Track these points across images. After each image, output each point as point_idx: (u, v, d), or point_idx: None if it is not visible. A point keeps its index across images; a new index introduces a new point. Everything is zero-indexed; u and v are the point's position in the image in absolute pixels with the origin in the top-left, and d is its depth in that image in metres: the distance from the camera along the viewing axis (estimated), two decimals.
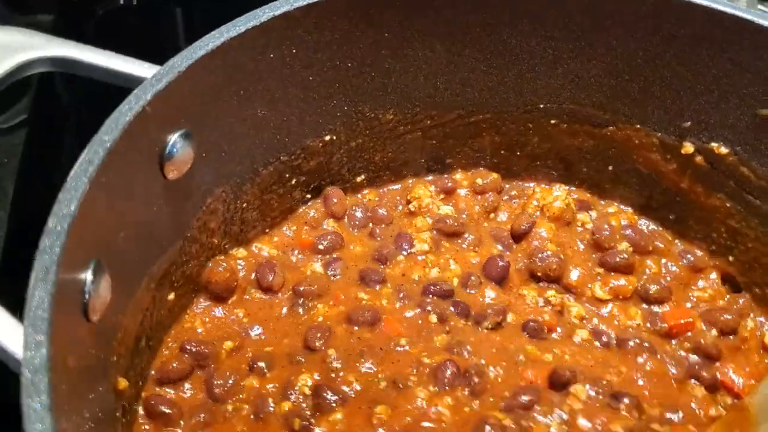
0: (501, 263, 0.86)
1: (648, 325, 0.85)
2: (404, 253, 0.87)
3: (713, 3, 0.78)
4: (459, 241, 0.89)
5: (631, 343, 0.81)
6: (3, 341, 0.55)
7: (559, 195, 0.93)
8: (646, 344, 0.81)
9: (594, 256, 0.89)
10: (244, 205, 0.84)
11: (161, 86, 0.65)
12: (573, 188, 0.97)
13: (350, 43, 0.81)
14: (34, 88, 1.08)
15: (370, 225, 0.90)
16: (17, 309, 0.63)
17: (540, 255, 0.87)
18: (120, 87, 0.76)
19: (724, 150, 0.86)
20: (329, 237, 0.88)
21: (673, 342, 0.84)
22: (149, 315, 0.73)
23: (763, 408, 0.69)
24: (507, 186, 0.96)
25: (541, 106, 0.90)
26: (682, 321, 0.85)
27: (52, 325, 0.50)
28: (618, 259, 0.87)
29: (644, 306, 0.86)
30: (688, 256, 0.91)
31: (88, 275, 0.58)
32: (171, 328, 0.79)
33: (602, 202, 0.96)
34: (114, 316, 0.64)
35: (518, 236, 0.90)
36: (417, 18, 0.82)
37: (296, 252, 0.87)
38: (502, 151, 0.95)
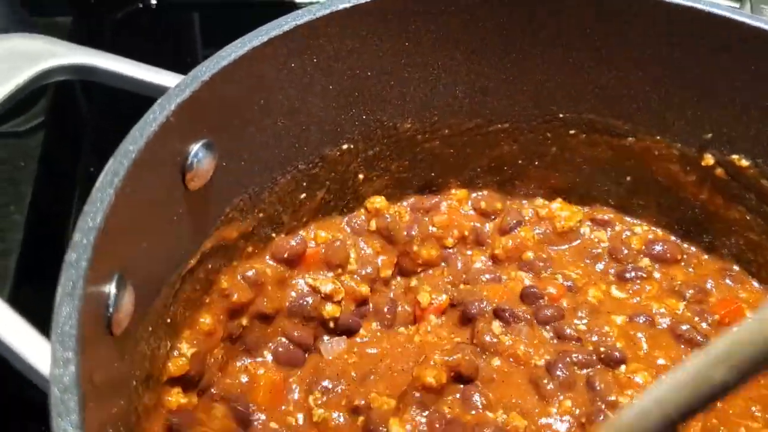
0: None
1: None
2: None
3: (734, 14, 0.78)
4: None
5: None
6: (28, 357, 0.54)
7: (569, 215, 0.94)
8: None
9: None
10: (261, 215, 0.83)
11: (185, 96, 0.64)
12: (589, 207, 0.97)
13: (370, 52, 0.80)
14: (53, 91, 1.08)
15: None
16: (31, 311, 0.63)
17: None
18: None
19: (745, 162, 0.85)
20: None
21: None
22: (167, 325, 0.73)
23: None
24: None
25: (561, 115, 0.90)
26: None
27: (80, 341, 0.49)
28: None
29: None
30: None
31: (111, 288, 0.57)
32: (183, 332, 0.78)
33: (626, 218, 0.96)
34: (135, 328, 0.63)
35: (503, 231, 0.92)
36: (437, 27, 0.81)
37: None
38: (520, 161, 0.94)
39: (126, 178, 0.58)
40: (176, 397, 0.73)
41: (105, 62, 0.71)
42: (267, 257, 0.84)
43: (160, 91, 0.66)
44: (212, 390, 0.77)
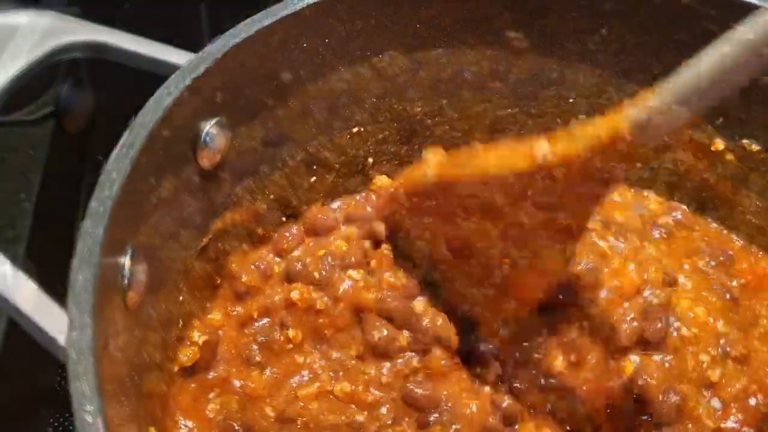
0: None
1: None
2: None
3: None
4: None
5: None
6: (41, 321, 0.54)
7: None
8: None
9: None
10: (271, 196, 0.83)
11: (199, 72, 0.64)
12: None
13: (380, 34, 0.80)
14: (62, 80, 1.08)
15: None
16: None
17: None
18: (150, 81, 0.76)
19: (755, 147, 0.85)
20: None
21: None
22: (180, 303, 0.73)
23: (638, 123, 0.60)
24: None
25: (570, 100, 0.90)
26: None
27: (96, 307, 0.49)
28: None
29: None
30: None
31: (126, 260, 0.57)
32: (197, 318, 0.78)
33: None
34: (149, 303, 0.63)
35: None
36: (448, 9, 0.81)
37: None
38: None
39: (141, 150, 0.58)
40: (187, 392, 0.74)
41: (118, 39, 0.71)
42: (271, 255, 0.84)
43: (172, 69, 0.66)
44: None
